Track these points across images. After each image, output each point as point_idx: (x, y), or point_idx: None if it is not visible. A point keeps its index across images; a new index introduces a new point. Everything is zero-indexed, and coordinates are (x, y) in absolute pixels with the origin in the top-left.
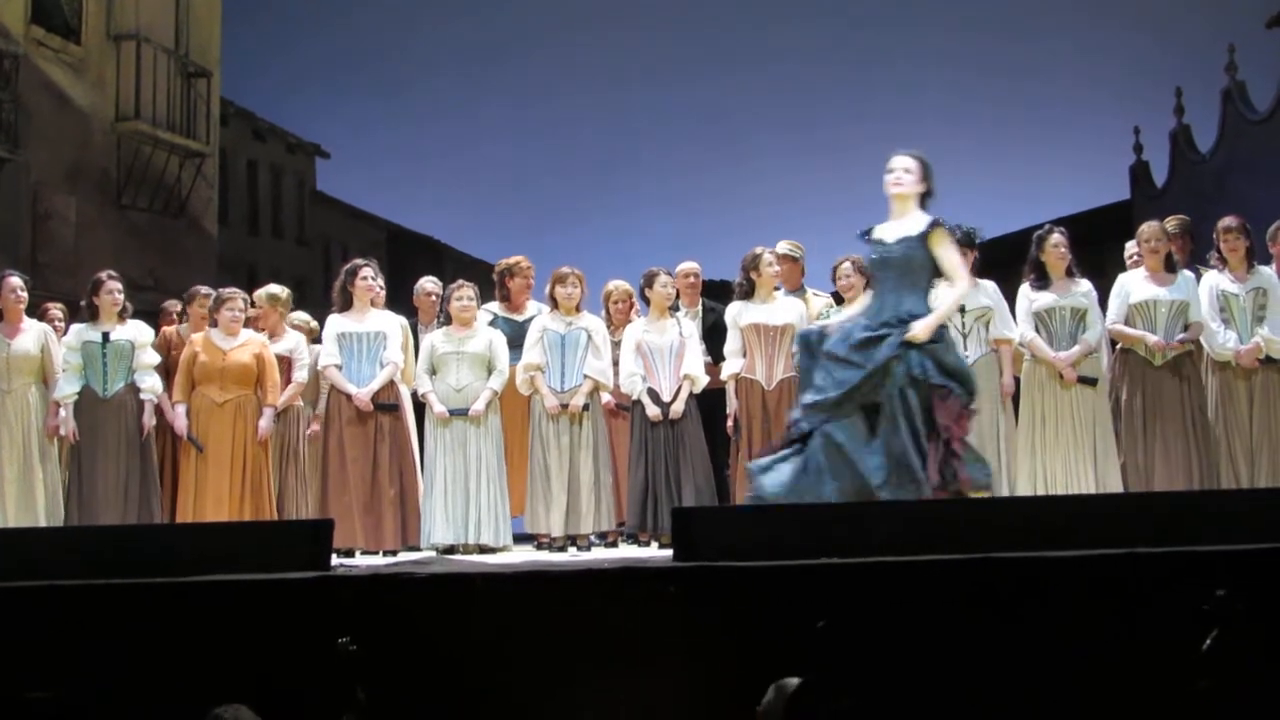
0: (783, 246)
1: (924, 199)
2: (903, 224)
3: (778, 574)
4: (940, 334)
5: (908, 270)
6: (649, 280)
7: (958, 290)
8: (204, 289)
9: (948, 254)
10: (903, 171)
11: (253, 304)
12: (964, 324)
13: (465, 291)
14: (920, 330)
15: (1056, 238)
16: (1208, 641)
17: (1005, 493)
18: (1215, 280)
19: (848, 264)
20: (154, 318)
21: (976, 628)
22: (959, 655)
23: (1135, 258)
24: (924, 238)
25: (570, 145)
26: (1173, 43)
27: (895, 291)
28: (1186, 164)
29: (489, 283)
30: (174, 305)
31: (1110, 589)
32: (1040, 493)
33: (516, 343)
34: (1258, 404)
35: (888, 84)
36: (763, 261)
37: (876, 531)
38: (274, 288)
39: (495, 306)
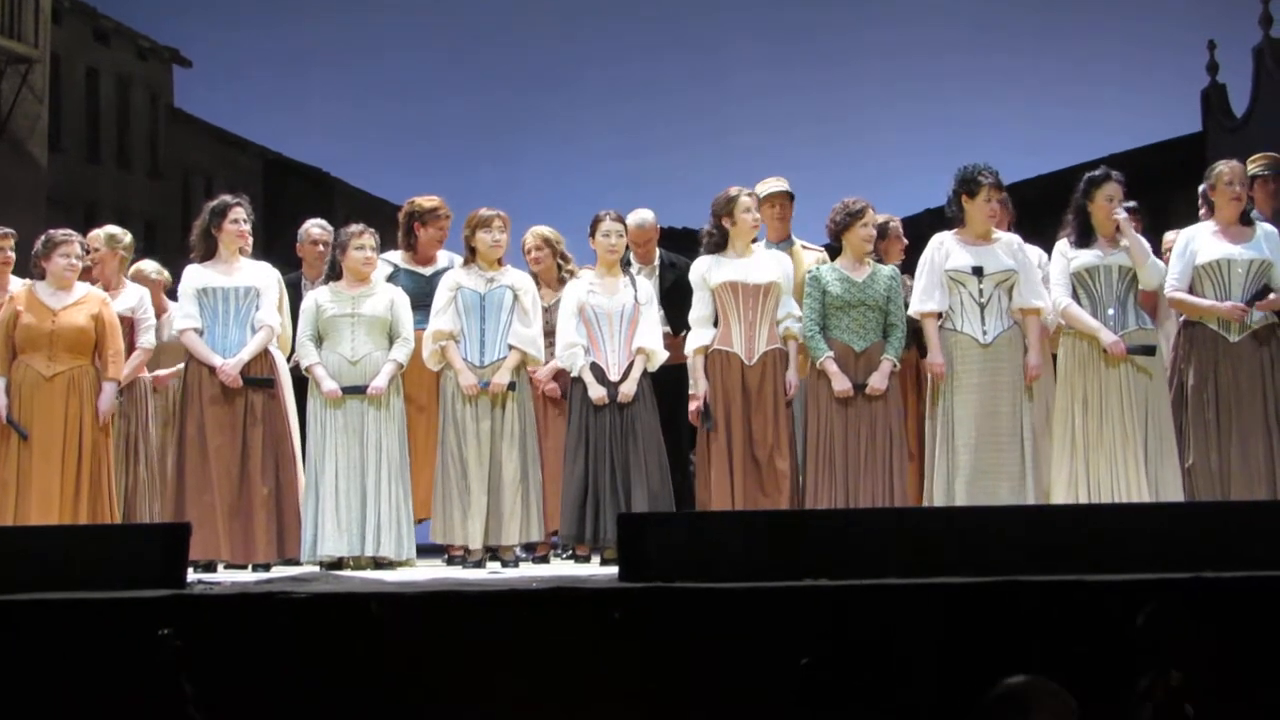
0: (774, 184)
1: None
2: None
3: (749, 598)
4: None
5: None
6: (592, 227)
7: None
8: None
9: None
10: None
11: (87, 250)
12: (982, 291)
13: (366, 239)
14: None
15: (1113, 188)
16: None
17: (1032, 501)
18: None
19: (873, 212)
20: None
21: (998, 669)
22: (973, 701)
23: (1206, 206)
24: None
25: (494, 57)
26: None
27: None
28: (1275, 88)
29: (392, 228)
30: None
31: (1171, 621)
32: (1081, 500)
33: (422, 302)
34: None
35: None
36: (738, 206)
37: (874, 547)
38: (114, 229)
39: (397, 256)
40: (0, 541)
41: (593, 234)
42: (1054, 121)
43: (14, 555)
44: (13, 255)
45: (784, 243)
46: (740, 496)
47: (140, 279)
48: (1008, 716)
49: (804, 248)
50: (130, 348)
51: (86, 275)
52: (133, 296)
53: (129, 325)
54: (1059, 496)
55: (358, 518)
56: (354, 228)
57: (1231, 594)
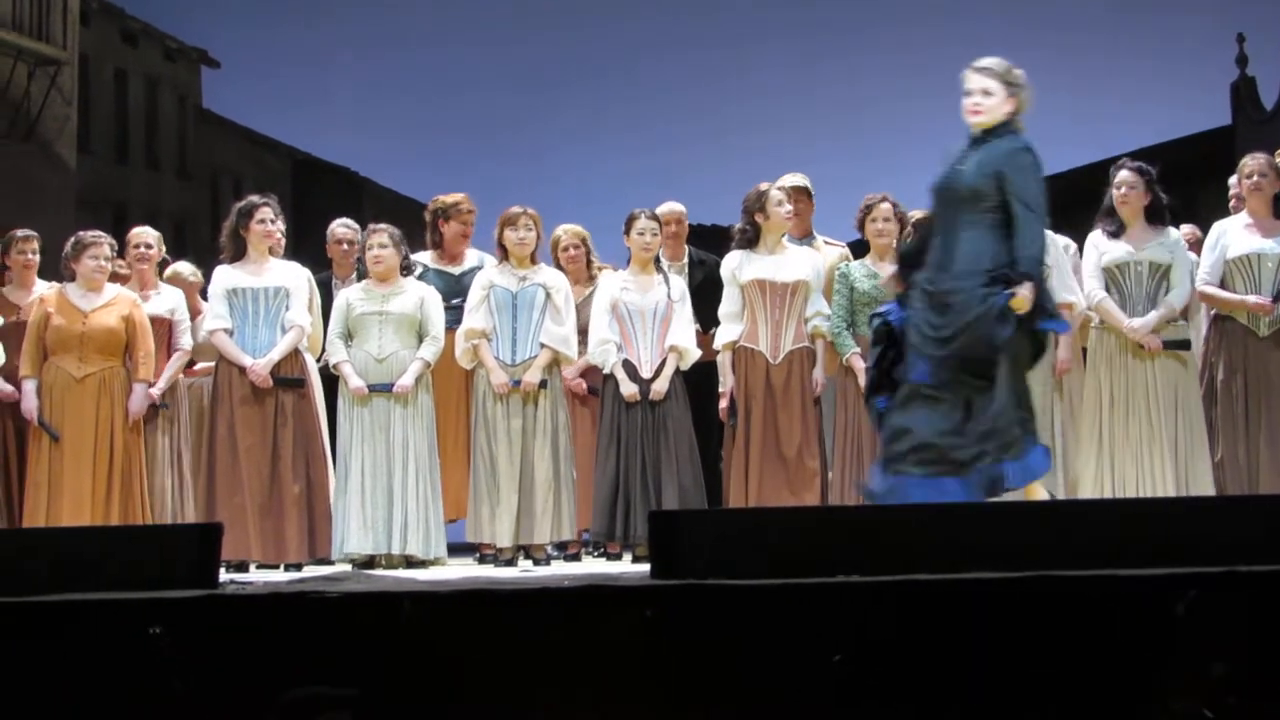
0: (794, 179)
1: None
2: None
3: (781, 595)
4: None
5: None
6: (628, 224)
7: None
8: (21, 231)
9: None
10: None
11: (121, 253)
12: None
13: (378, 238)
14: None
15: (1124, 174)
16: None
17: (1062, 495)
18: None
19: (885, 205)
20: None
21: (1030, 664)
22: (1007, 698)
23: (1236, 199)
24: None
25: (519, 55)
26: None
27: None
28: None
29: (420, 227)
30: None
31: (1205, 617)
32: (1108, 495)
33: (451, 302)
34: None
35: None
36: (770, 200)
37: (906, 543)
38: (155, 231)
39: (426, 256)
40: (32, 542)
41: (627, 231)
42: (1083, 115)
43: (46, 556)
44: (35, 258)
45: (806, 239)
46: (764, 494)
47: (176, 281)
48: None
49: (826, 243)
50: (168, 350)
51: (123, 280)
52: (170, 298)
53: (166, 327)
54: (1086, 491)
55: (384, 516)
56: (370, 226)
57: (1266, 588)
